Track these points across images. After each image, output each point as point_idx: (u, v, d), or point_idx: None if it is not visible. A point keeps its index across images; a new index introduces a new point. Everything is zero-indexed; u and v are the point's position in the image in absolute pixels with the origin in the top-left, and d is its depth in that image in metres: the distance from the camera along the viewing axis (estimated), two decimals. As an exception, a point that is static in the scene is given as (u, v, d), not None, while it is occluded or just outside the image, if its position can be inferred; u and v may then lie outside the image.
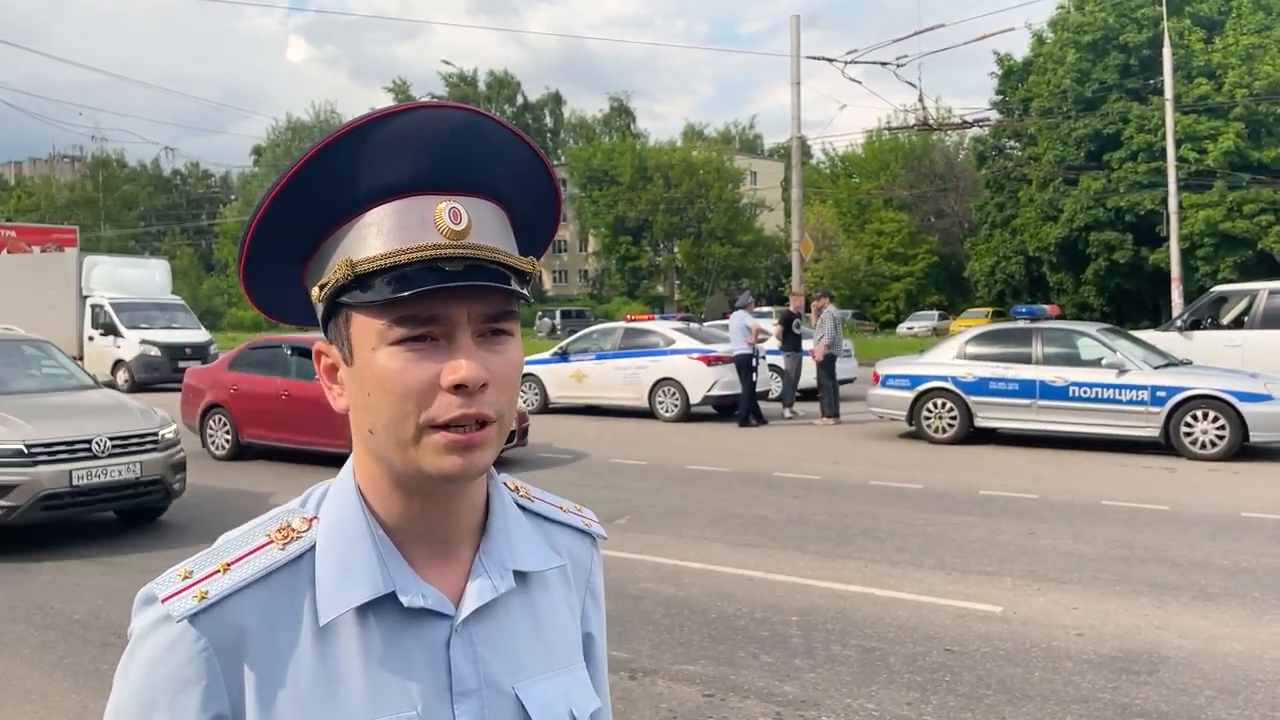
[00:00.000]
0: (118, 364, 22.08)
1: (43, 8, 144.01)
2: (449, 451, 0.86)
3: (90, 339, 22.58)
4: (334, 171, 0.86)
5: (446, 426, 0.86)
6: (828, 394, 15.13)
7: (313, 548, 0.90)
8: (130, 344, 21.88)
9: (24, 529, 7.52)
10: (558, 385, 16.80)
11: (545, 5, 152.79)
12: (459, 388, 0.85)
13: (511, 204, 0.94)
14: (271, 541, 0.90)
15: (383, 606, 0.89)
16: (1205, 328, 15.27)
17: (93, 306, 22.63)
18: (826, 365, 15.08)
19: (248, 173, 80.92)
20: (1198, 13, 39.14)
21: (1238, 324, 14.99)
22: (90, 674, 5.03)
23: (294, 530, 0.91)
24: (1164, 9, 28.88)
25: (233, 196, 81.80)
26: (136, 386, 21.74)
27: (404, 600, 0.89)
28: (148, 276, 24.40)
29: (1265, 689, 4.61)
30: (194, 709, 0.84)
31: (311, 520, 0.92)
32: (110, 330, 22.22)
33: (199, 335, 23.28)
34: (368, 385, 0.88)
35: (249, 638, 0.86)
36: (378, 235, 0.87)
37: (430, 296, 0.85)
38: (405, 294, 0.84)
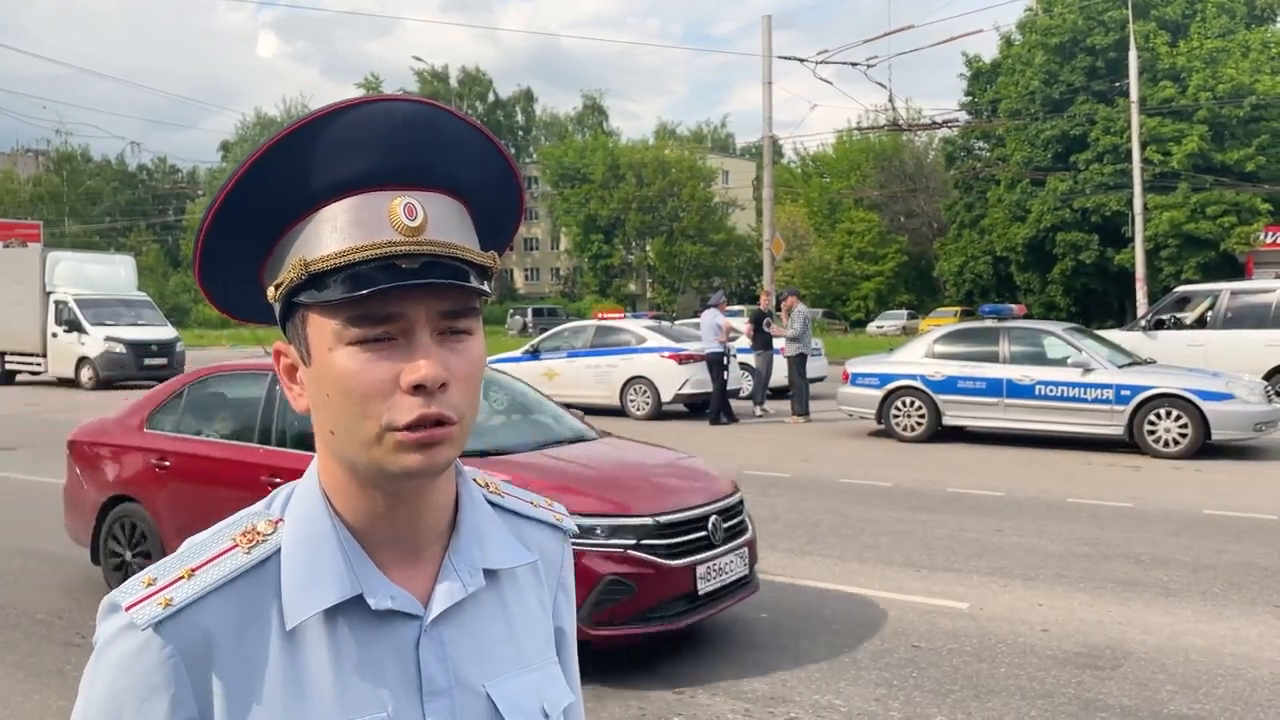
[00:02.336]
0: (82, 361, 21.78)
1: (7, 0, 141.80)
2: (410, 449, 0.85)
3: (54, 336, 22.27)
4: (286, 168, 0.85)
5: (406, 427, 0.85)
6: (798, 392, 15.21)
7: (278, 551, 0.89)
8: (95, 341, 21.60)
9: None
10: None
11: (519, 2, 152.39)
12: (418, 388, 0.84)
13: (471, 197, 0.93)
14: (236, 545, 0.89)
15: (351, 609, 0.88)
16: (1169, 327, 15.50)
17: (56, 303, 22.31)
18: (797, 364, 15.16)
19: (215, 168, 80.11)
20: (1163, 16, 39.64)
21: (1200, 324, 15.24)
22: (54, 674, 4.97)
23: (259, 533, 0.90)
24: (1130, 12, 29.26)
25: (200, 192, 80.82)
26: (101, 384, 21.48)
27: (371, 603, 0.88)
28: (113, 273, 24.10)
29: (1225, 683, 4.68)
30: (161, 717, 0.83)
31: (277, 523, 0.91)
32: (74, 327, 21.92)
33: (165, 332, 23.02)
34: (326, 386, 0.87)
35: (216, 643, 0.85)
36: (332, 233, 0.85)
37: (386, 295, 0.83)
38: (360, 293, 0.83)
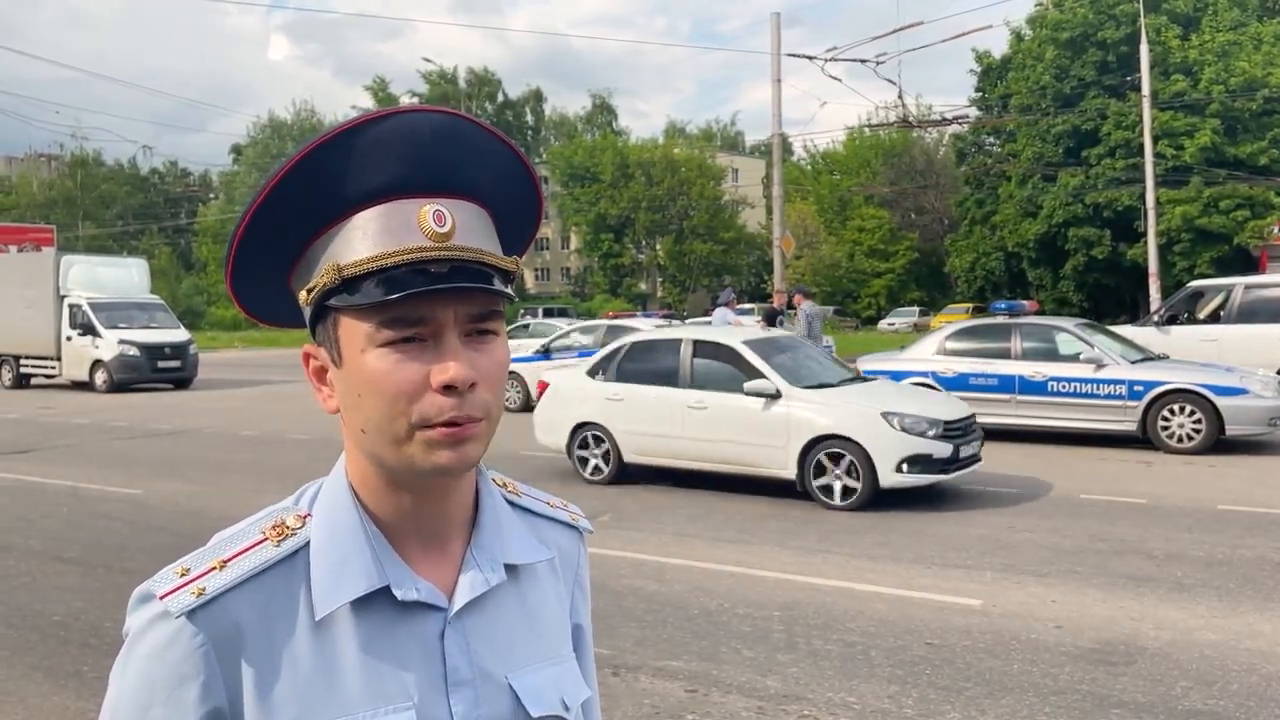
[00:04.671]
0: (96, 364, 21.89)
1: (18, 4, 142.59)
2: (440, 446, 0.88)
3: (68, 339, 22.39)
4: (318, 177, 0.88)
5: (436, 425, 0.87)
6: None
7: (307, 544, 0.91)
8: (109, 344, 21.70)
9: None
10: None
11: (527, 3, 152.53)
12: (448, 388, 0.87)
13: (493, 204, 0.95)
14: (266, 539, 0.91)
15: (377, 601, 0.90)
16: (1182, 322, 15.41)
17: (70, 306, 22.43)
18: None
19: (227, 171, 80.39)
20: (1174, 10, 39.45)
21: (1214, 318, 15.14)
22: (71, 675, 5.01)
23: (288, 527, 0.92)
24: (1141, 6, 29.13)
25: (212, 195, 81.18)
26: (115, 387, 21.59)
27: (398, 594, 0.90)
28: (126, 276, 24.20)
29: (1240, 678, 4.67)
30: (192, 704, 0.86)
31: (305, 517, 0.93)
32: (88, 330, 22.04)
33: (178, 335, 23.12)
34: (358, 386, 0.89)
35: (245, 633, 0.87)
36: (363, 239, 0.88)
37: (417, 298, 0.86)
38: (392, 296, 0.85)
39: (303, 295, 0.92)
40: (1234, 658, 4.94)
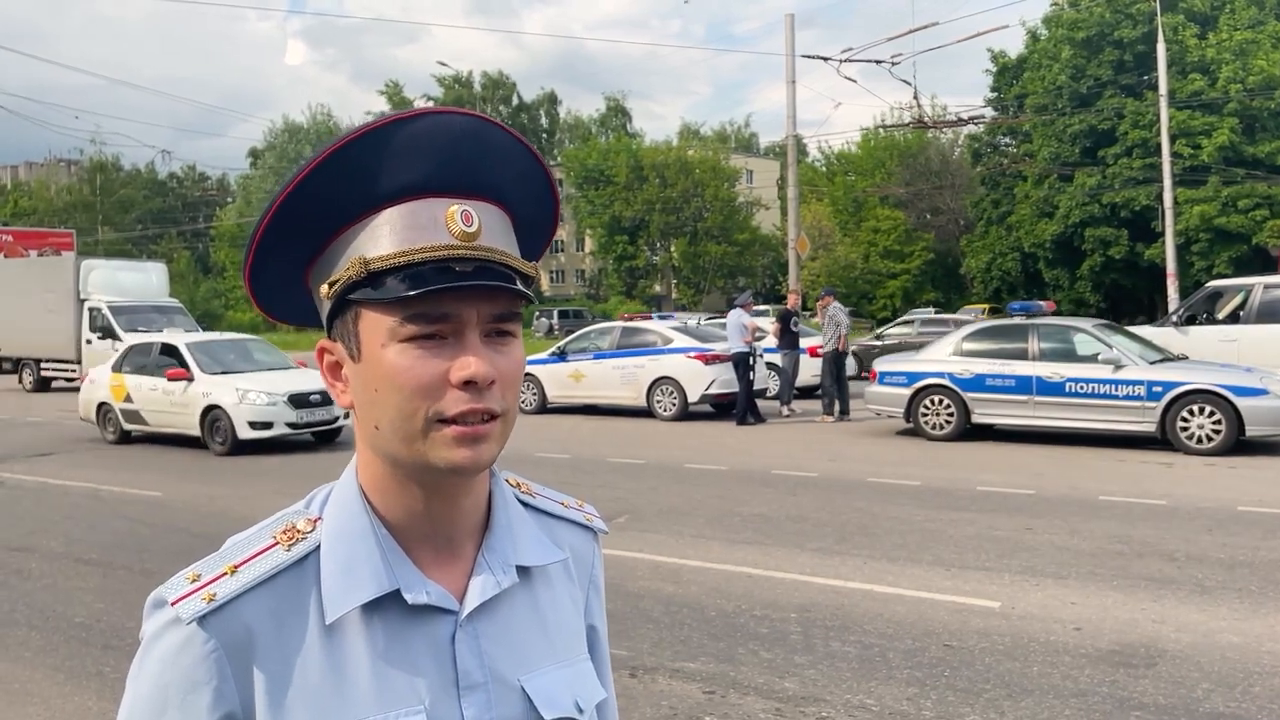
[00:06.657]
0: (115, 367, 22.02)
1: (40, 12, 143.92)
2: (457, 444, 0.88)
3: (88, 342, 22.55)
4: (349, 172, 0.88)
5: (454, 421, 0.88)
6: (828, 392, 15.14)
7: (317, 548, 0.92)
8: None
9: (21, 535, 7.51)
10: (556, 385, 16.81)
11: (542, 6, 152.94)
12: (469, 384, 0.87)
13: (513, 207, 0.96)
14: (277, 543, 0.91)
15: (387, 604, 0.90)
16: (1201, 323, 15.30)
17: (90, 310, 22.62)
18: (834, 363, 15.08)
19: (245, 176, 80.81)
20: (1191, 8, 39.18)
21: (1233, 319, 15.02)
22: (92, 676, 5.05)
23: (299, 531, 0.93)
24: (1157, 5, 28.93)
25: (229, 199, 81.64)
26: (134, 390, 21.72)
27: (408, 598, 0.90)
28: (145, 280, 24.39)
29: (1262, 681, 4.63)
30: (205, 709, 0.86)
31: (316, 521, 0.94)
32: (108, 333, 22.18)
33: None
34: (375, 381, 0.89)
35: (257, 638, 0.87)
36: (390, 235, 0.89)
37: (442, 295, 0.87)
38: (418, 292, 0.86)
39: (323, 289, 0.92)
40: (1256, 660, 4.90)
